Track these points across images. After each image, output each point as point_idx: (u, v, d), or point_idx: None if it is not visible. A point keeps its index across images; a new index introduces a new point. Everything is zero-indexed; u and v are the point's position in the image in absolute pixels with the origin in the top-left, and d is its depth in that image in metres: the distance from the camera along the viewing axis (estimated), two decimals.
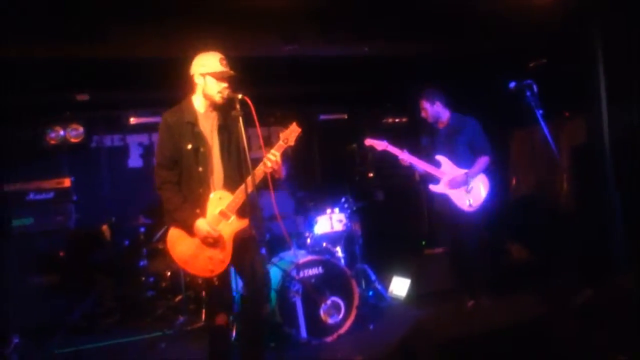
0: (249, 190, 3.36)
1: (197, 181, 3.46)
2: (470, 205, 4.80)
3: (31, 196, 5.13)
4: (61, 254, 5.11)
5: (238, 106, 3.36)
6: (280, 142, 3.52)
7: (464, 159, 4.86)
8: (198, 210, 3.43)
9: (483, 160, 4.87)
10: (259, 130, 3.35)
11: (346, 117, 7.03)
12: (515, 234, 6.41)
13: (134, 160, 6.47)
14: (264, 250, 4.97)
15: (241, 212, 3.45)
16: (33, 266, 5.08)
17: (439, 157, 4.82)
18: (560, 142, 6.04)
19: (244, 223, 3.45)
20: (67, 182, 5.26)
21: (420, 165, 4.78)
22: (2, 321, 4.83)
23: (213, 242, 3.40)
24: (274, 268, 4.65)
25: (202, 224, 3.38)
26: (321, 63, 5.98)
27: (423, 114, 4.92)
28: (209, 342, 3.62)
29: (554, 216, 6.19)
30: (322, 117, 6.94)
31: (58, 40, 4.60)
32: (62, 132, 5.42)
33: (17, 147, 5.30)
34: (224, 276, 3.56)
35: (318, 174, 6.97)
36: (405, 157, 4.73)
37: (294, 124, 3.58)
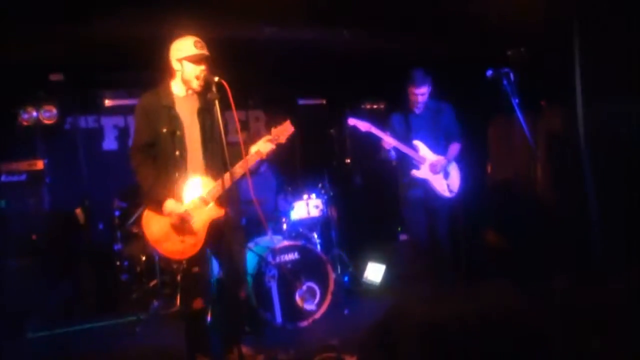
0: (228, 181, 3.38)
1: (172, 165, 3.46)
2: (450, 192, 4.84)
3: (3, 178, 5.04)
4: (34, 237, 5.04)
5: (214, 89, 3.36)
6: (271, 137, 3.52)
7: (438, 144, 4.87)
8: (171, 192, 3.42)
9: (456, 147, 4.91)
10: (235, 114, 3.35)
11: (325, 102, 7.02)
12: (491, 221, 6.47)
13: (109, 143, 6.37)
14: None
15: (220, 200, 3.46)
16: (7, 249, 5.01)
17: (416, 142, 4.81)
18: (537, 130, 6.08)
19: (221, 211, 3.48)
20: (40, 164, 5.18)
21: (403, 149, 4.73)
22: None
23: (179, 222, 3.39)
24: (250, 253, 4.65)
25: (169, 204, 3.38)
26: (301, 47, 5.94)
27: (418, 98, 4.80)
28: (185, 327, 3.64)
29: (530, 203, 6.26)
30: (301, 102, 6.91)
31: (33, 19, 4.50)
32: (35, 114, 5.32)
33: None
34: (200, 260, 3.56)
35: (297, 159, 6.96)
36: (389, 139, 4.66)
37: (288, 122, 3.61)
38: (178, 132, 3.45)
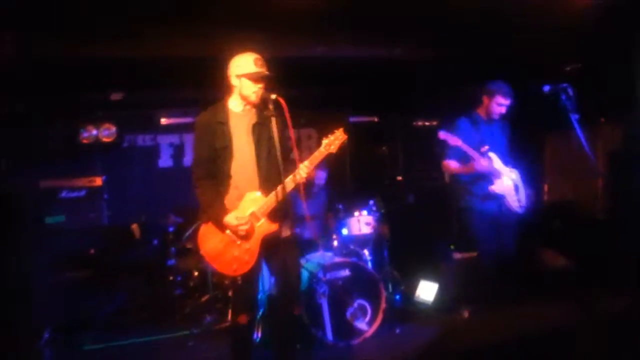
0: (280, 197, 3.39)
1: (226, 180, 3.50)
2: (521, 206, 4.75)
3: (64, 194, 5.21)
4: (92, 251, 5.18)
5: (271, 106, 3.40)
6: (322, 148, 3.54)
7: (505, 157, 4.78)
8: (227, 208, 3.46)
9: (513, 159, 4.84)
10: (291, 131, 3.38)
11: (377, 120, 7.00)
12: (549, 240, 6.28)
13: (165, 160, 6.54)
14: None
15: (272, 216, 3.48)
16: (64, 263, 5.15)
17: (491, 154, 4.68)
18: (596, 147, 5.90)
19: (274, 227, 3.49)
20: (98, 181, 5.34)
21: (485, 165, 4.61)
22: (34, 316, 4.91)
23: (245, 235, 3.41)
24: (302, 270, 4.64)
25: (230, 218, 3.40)
26: (352, 65, 5.96)
27: (502, 109, 4.75)
28: (231, 341, 3.65)
29: (589, 223, 6.05)
30: (353, 119, 6.91)
31: (93, 40, 4.67)
32: (94, 132, 5.51)
33: (52, 145, 5.40)
34: (249, 276, 3.57)
35: (348, 176, 6.93)
36: (483, 162, 4.57)
37: (341, 130, 3.60)
38: (232, 148, 3.50)
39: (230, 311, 4.87)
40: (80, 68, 5.05)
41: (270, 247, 3.52)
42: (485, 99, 4.79)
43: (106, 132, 5.55)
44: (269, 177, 3.52)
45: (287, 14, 4.56)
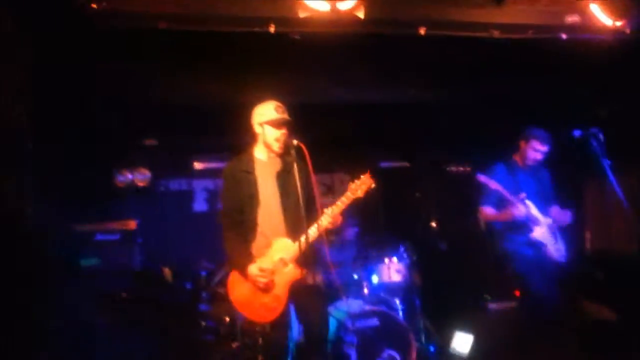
0: (307, 242, 3.40)
1: (253, 228, 3.56)
2: (562, 255, 4.68)
3: (98, 237, 5.31)
4: (124, 294, 5.21)
5: (293, 152, 3.45)
6: (348, 193, 3.53)
7: (543, 204, 4.70)
8: (253, 256, 3.46)
9: (558, 209, 4.72)
10: (312, 176, 3.41)
11: (408, 165, 6.97)
12: (592, 291, 6.04)
13: (199, 204, 6.61)
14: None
15: (300, 261, 3.50)
16: (97, 305, 5.19)
17: (528, 202, 4.62)
18: (635, 192, 5.73)
19: (301, 273, 3.52)
20: (132, 225, 5.42)
21: (534, 214, 4.59)
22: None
23: (264, 287, 3.42)
24: (329, 318, 4.57)
25: (252, 269, 3.42)
26: (383, 109, 5.98)
27: (538, 156, 4.75)
28: None
29: (632, 271, 5.82)
30: (384, 164, 6.89)
31: (128, 88, 4.84)
32: (129, 176, 5.64)
33: (87, 189, 5.52)
34: (279, 323, 3.57)
35: (380, 222, 6.88)
36: (521, 207, 4.53)
37: (367, 175, 3.62)
38: (258, 197, 3.55)
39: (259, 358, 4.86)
40: (117, 114, 5.22)
41: (298, 294, 3.53)
42: (521, 144, 4.77)
43: (140, 177, 5.67)
44: (296, 224, 3.54)
45: (317, 59, 4.65)
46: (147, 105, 5.15)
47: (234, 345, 5.36)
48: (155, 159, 5.86)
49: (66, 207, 5.33)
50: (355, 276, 5.15)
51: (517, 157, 4.87)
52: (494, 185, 4.50)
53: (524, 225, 4.62)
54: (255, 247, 3.56)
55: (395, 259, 5.36)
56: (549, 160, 5.21)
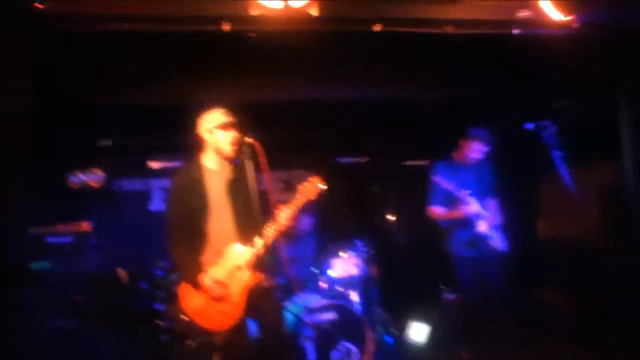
0: (262, 247, 3.44)
1: (204, 239, 3.53)
2: (504, 246, 4.86)
3: (50, 240, 5.20)
4: (77, 297, 5.12)
5: (246, 150, 3.44)
6: (299, 196, 3.55)
7: (483, 199, 4.86)
8: (205, 266, 3.46)
9: (494, 202, 4.95)
10: (267, 174, 3.42)
11: (366, 160, 7.02)
12: (546, 279, 6.20)
13: (156, 204, 6.53)
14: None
15: (255, 266, 3.50)
16: (50, 310, 5.09)
17: (471, 198, 4.76)
18: (589, 183, 5.89)
19: (258, 277, 3.52)
20: (86, 226, 5.31)
21: (478, 210, 4.76)
22: None
23: (219, 296, 3.40)
24: (286, 312, 4.58)
25: (205, 280, 3.42)
26: (341, 105, 6.00)
27: (477, 155, 4.91)
28: None
29: (586, 259, 5.99)
30: (342, 160, 6.94)
31: (81, 89, 4.75)
32: (83, 177, 5.52)
33: (39, 191, 5.40)
34: (240, 329, 3.56)
35: (338, 217, 6.92)
36: (470, 206, 4.72)
37: (316, 177, 3.61)
38: (208, 206, 3.52)
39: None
40: (69, 115, 5.11)
41: (255, 297, 3.52)
42: (461, 143, 4.89)
43: (94, 177, 5.56)
44: (248, 232, 3.53)
45: (273, 57, 4.64)
46: (101, 105, 5.06)
47: (191, 344, 5.33)
48: (109, 160, 5.76)
49: (16, 210, 5.22)
50: (314, 270, 5.17)
51: (456, 156, 5.01)
52: (445, 184, 4.63)
53: (469, 221, 4.74)
54: (206, 257, 3.54)
55: (352, 253, 5.40)
56: (502, 153, 5.36)
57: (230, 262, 3.50)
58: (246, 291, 3.50)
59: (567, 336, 4.94)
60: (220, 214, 3.56)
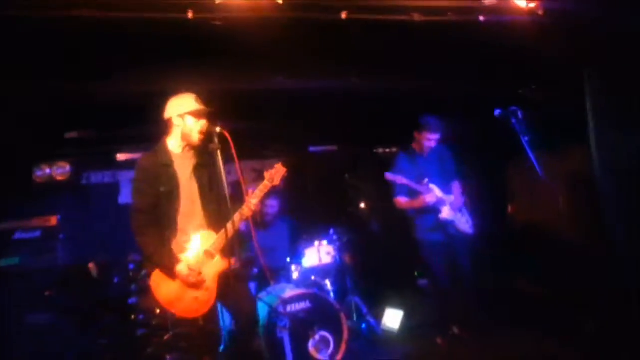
0: (231, 231, 3.40)
1: (173, 223, 3.48)
2: (471, 228, 4.93)
3: (17, 235, 5.09)
4: (48, 293, 5.04)
5: (216, 140, 3.40)
6: (266, 181, 3.57)
7: (446, 185, 4.96)
8: (175, 252, 3.43)
9: (459, 185, 5.06)
10: (237, 163, 3.40)
11: (336, 148, 7.04)
12: (514, 264, 6.30)
13: (125, 197, 6.44)
14: (252, 286, 4.95)
15: (225, 251, 3.49)
16: (21, 305, 5.01)
17: (431, 185, 4.81)
18: (557, 168, 5.98)
19: (229, 262, 3.50)
20: (53, 221, 5.22)
21: (440, 196, 4.81)
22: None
23: (196, 283, 3.38)
24: (261, 303, 4.58)
25: (181, 268, 3.38)
26: (311, 95, 5.98)
27: (431, 144, 4.95)
28: None
29: (554, 246, 6.09)
30: (312, 149, 6.94)
31: (47, 77, 4.62)
32: (48, 170, 5.41)
33: (4, 186, 5.28)
34: (211, 315, 3.55)
35: (310, 206, 6.94)
36: (429, 196, 4.77)
37: (280, 164, 3.66)
38: (176, 191, 3.49)
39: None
40: (34, 106, 4.98)
41: (226, 284, 3.51)
42: (415, 135, 4.95)
43: (60, 171, 5.45)
44: (216, 216, 3.53)
45: (241, 45, 4.58)
46: (66, 97, 4.93)
47: (167, 337, 5.30)
48: (76, 152, 5.64)
49: None
50: (287, 259, 5.17)
51: (415, 146, 5.08)
52: (400, 180, 4.69)
53: (431, 209, 4.82)
54: (175, 243, 3.49)
55: (325, 241, 5.42)
56: (474, 139, 5.42)
57: (201, 248, 3.48)
58: (217, 277, 3.49)
59: (535, 322, 5.04)
60: (187, 200, 3.53)
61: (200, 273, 3.43)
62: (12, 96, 4.81)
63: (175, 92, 3.75)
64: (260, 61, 4.99)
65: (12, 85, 4.65)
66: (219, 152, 3.44)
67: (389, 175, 4.77)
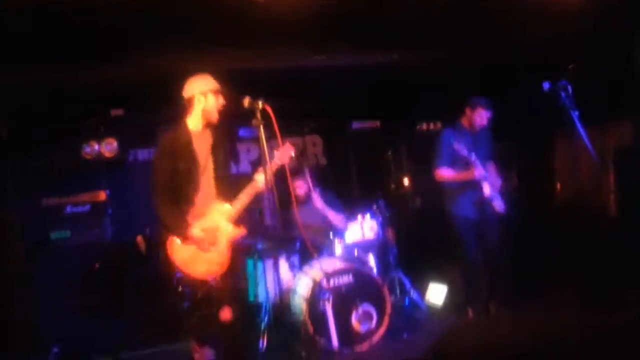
0: (242, 205, 3.69)
1: (190, 199, 3.64)
2: (503, 209, 4.93)
3: (68, 210, 5.25)
4: (97, 265, 5.19)
5: (259, 115, 3.46)
6: (275, 160, 3.73)
7: (486, 164, 4.97)
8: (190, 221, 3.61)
9: (493, 167, 5.11)
10: (279, 140, 3.50)
11: (379, 125, 7.00)
12: (560, 240, 6.18)
13: None
14: (296, 258, 5.01)
15: (237, 220, 3.73)
16: (71, 278, 5.16)
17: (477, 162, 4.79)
18: (606, 144, 5.83)
19: (240, 231, 3.73)
20: (102, 196, 5.37)
21: (481, 171, 4.82)
22: (43, 331, 4.94)
23: (210, 244, 3.61)
24: (305, 277, 4.63)
25: (194, 231, 3.57)
26: (353, 72, 5.95)
27: (484, 121, 4.97)
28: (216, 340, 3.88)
29: (599, 223, 5.97)
30: (355, 125, 6.91)
31: (93, 56, 4.72)
32: (97, 147, 5.53)
33: (55, 162, 5.42)
34: (227, 275, 3.74)
35: (354, 182, 6.94)
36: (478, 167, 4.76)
37: (287, 143, 3.82)
38: (194, 167, 3.63)
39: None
40: (82, 84, 5.10)
41: (234, 251, 3.75)
42: (467, 111, 4.93)
43: (108, 147, 5.56)
44: (227, 194, 3.73)
45: (284, 23, 4.57)
46: (112, 76, 5.03)
47: (211, 310, 5.39)
48: (122, 129, 5.75)
49: (35, 182, 5.27)
50: (330, 235, 5.19)
51: (464, 122, 5.04)
52: (457, 146, 4.64)
53: (474, 185, 4.79)
54: (191, 215, 3.65)
55: (367, 216, 5.42)
56: (519, 116, 5.35)
57: (214, 217, 3.66)
58: (229, 243, 3.68)
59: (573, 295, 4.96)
60: (203, 174, 3.68)
61: (215, 232, 3.61)
62: (62, 78, 4.94)
63: (215, 70, 3.82)
64: (303, 38, 5.00)
65: (62, 68, 4.78)
66: (261, 128, 3.50)
67: (445, 139, 4.82)
